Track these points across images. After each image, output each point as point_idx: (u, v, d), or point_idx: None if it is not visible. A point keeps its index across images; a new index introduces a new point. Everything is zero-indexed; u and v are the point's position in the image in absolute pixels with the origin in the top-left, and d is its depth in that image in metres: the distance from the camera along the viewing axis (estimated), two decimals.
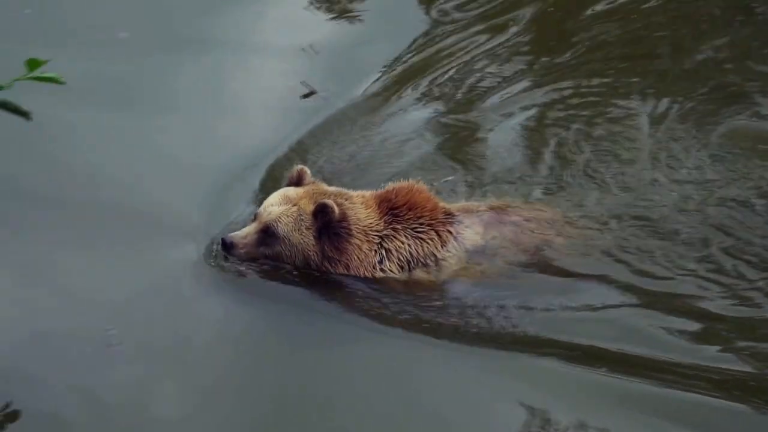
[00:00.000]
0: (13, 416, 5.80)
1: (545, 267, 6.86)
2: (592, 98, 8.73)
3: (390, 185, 7.01)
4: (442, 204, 6.97)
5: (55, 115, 7.86)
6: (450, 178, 7.78)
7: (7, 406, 5.86)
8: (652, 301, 6.68)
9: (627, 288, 6.77)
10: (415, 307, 6.69)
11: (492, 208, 7.02)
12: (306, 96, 8.52)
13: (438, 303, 6.73)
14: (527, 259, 6.86)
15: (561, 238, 6.95)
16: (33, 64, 4.50)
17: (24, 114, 4.54)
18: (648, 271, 6.86)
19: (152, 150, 8.09)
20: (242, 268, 6.81)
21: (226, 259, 6.81)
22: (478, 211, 6.97)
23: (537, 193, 7.59)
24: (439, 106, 8.74)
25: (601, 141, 8.14)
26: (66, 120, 8.16)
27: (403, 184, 6.95)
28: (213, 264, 6.88)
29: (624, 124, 8.34)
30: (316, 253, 6.67)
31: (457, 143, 8.26)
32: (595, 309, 6.64)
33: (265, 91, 8.93)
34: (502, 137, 8.29)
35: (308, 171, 6.94)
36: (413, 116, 8.59)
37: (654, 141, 8.09)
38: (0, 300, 6.66)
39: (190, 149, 8.12)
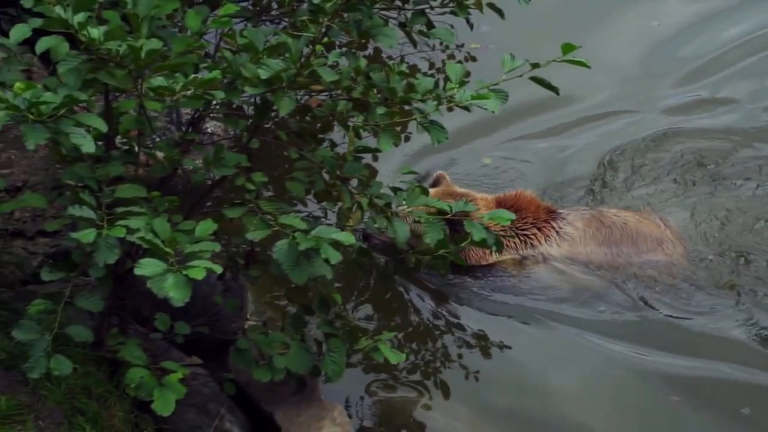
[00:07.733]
0: None
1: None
2: None
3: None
4: (545, 204, 7.76)
5: None
6: None
7: None
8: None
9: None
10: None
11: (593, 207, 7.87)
12: None
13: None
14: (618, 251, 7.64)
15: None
16: (567, 48, 4.96)
17: (553, 89, 5.11)
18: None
19: None
20: None
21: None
22: (581, 209, 7.82)
23: None
24: None
25: None
26: None
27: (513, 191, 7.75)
28: None
29: None
30: None
31: None
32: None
33: None
34: None
35: (447, 176, 7.73)
36: None
37: None
38: None
39: None
